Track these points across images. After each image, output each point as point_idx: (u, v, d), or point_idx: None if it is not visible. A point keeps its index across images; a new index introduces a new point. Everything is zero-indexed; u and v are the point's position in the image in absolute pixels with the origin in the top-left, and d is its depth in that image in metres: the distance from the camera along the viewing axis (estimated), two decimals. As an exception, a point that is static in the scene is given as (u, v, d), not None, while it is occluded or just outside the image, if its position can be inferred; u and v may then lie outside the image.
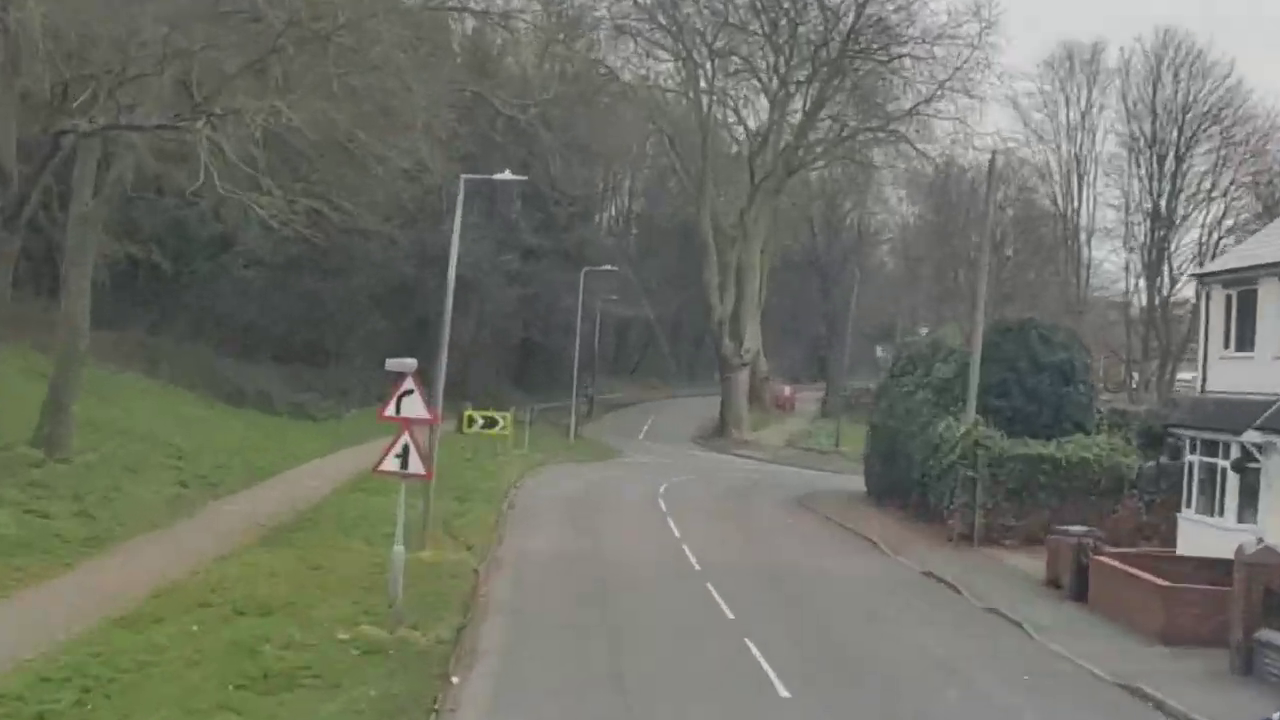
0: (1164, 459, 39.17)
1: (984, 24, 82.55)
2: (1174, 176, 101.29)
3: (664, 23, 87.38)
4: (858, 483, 59.31)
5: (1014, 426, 41.63)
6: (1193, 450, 34.93)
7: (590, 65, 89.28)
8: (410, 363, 24.91)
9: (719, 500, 53.42)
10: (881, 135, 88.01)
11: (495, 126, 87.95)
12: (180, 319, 68.09)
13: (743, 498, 55.09)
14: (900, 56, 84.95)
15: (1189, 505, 34.88)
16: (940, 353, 49.40)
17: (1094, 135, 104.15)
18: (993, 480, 39.91)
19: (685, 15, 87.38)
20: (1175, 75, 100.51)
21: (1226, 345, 35.16)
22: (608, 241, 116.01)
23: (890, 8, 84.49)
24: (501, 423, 57.14)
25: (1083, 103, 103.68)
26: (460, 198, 38.76)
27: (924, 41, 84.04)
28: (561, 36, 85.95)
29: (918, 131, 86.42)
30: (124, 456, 40.12)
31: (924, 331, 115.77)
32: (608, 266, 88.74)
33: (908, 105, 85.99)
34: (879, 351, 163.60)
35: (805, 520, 49.29)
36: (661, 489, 53.83)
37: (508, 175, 44.14)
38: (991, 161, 43.80)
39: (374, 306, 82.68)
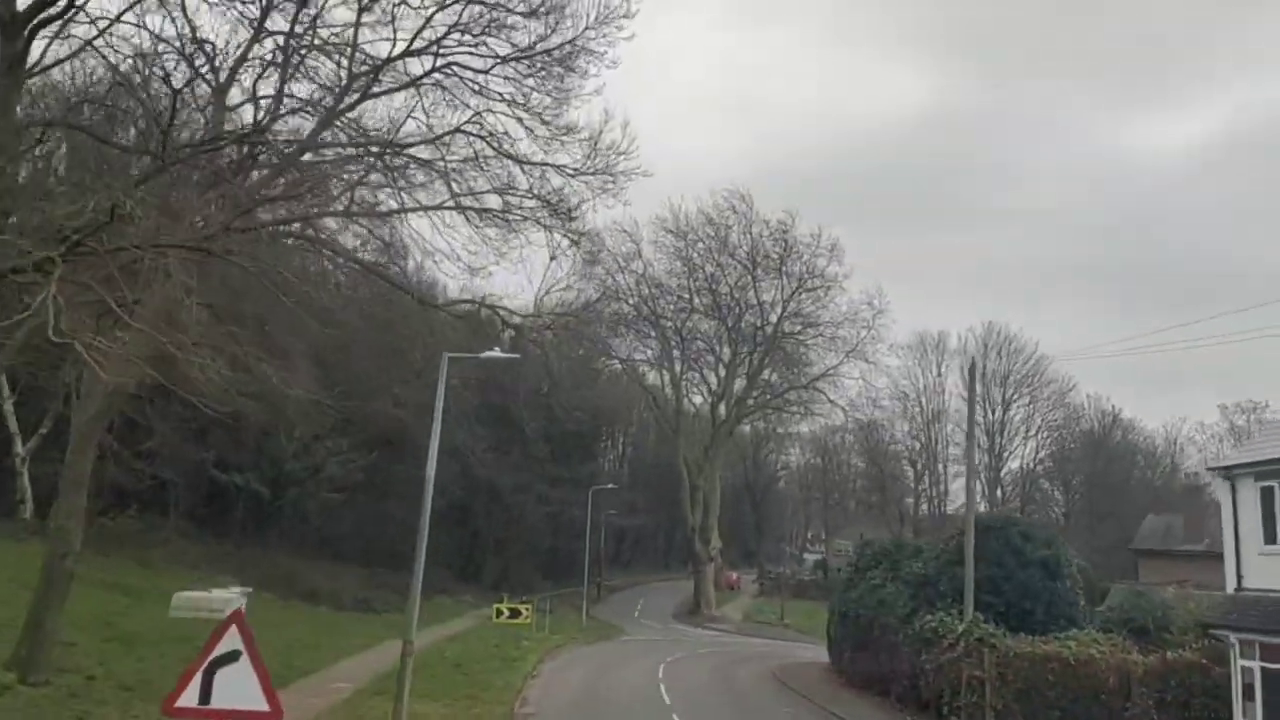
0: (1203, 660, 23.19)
1: (875, 311, 69.41)
2: (1001, 423, 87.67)
3: (646, 314, 73.58)
4: (811, 651, 46.31)
5: (1008, 622, 25.73)
6: (1247, 654, 19.23)
7: (594, 350, 75.49)
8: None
9: (713, 681, 36.47)
10: (803, 394, 73.49)
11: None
12: (272, 533, 52.27)
13: (730, 679, 38.03)
14: (816, 337, 71.25)
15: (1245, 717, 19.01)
16: (905, 550, 33.71)
17: (943, 395, 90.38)
18: (1001, 680, 23.86)
19: (661, 309, 73.76)
20: (998, 353, 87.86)
21: (1268, 540, 19.83)
22: (608, 473, 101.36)
23: (809, 304, 71.18)
24: (524, 613, 41.15)
25: (934, 372, 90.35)
26: (443, 375, 23.54)
27: (832, 325, 70.56)
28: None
29: (833, 388, 72.18)
30: (136, 671, 24.05)
31: (850, 542, 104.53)
32: (610, 485, 74.44)
33: (821, 370, 71.76)
34: (784, 547, 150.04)
35: (803, 710, 32.53)
36: (660, 671, 37.13)
37: (496, 353, 28.72)
38: (971, 373, 27.77)
39: (438, 521, 66.82)
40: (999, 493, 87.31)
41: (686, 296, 72.83)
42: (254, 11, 21.76)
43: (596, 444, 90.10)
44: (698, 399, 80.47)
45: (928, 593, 29.16)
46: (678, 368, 74.72)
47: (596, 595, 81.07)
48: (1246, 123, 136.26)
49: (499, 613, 41.94)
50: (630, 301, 73.42)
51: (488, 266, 28.95)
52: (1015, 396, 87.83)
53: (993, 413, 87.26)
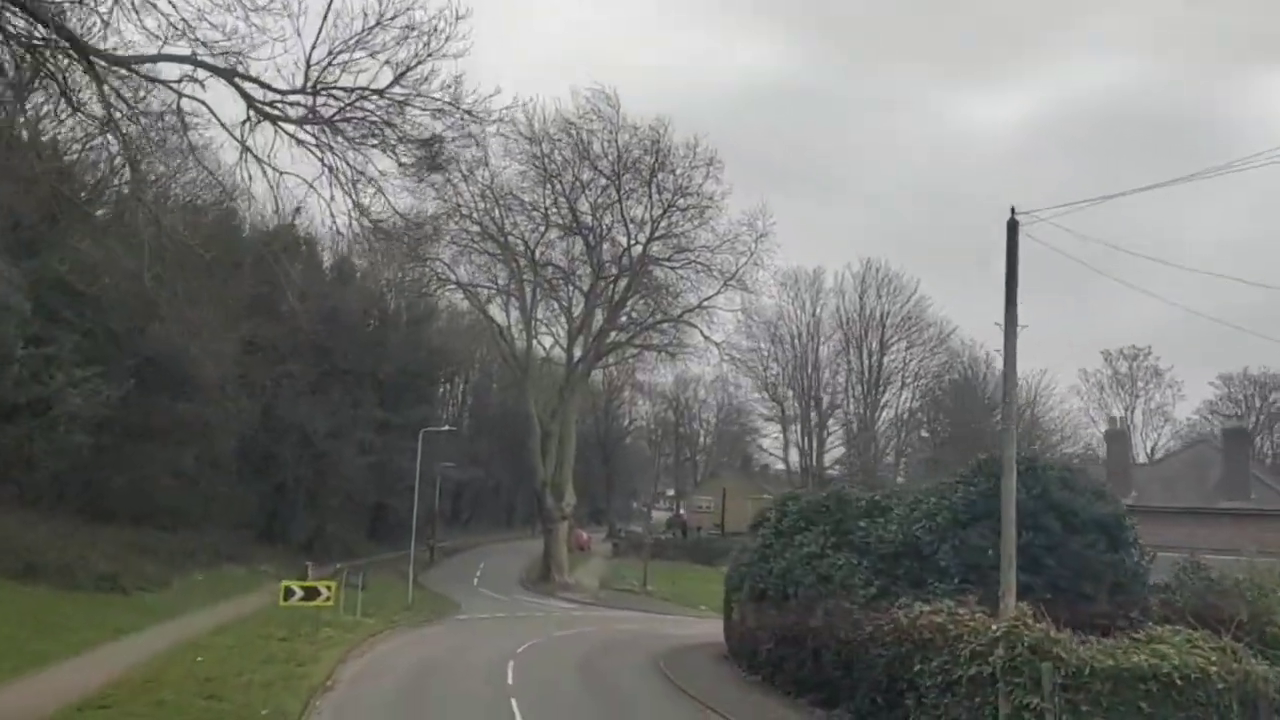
0: None
1: (758, 234, 60.41)
2: (878, 367, 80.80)
3: (493, 233, 62.54)
4: (690, 629, 41.15)
5: (1053, 613, 16.60)
6: None
7: (430, 276, 64.34)
8: None
9: (585, 687, 26.45)
10: (672, 331, 63.91)
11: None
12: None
13: (607, 681, 28.08)
14: (689, 264, 61.67)
15: None
16: (857, 508, 24.40)
17: (818, 338, 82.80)
18: (1072, 711, 14.80)
19: (511, 228, 62.92)
20: (877, 292, 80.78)
21: None
22: (446, 420, 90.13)
23: (682, 225, 61.59)
24: (326, 593, 30.30)
25: (809, 312, 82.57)
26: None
27: (709, 250, 61.19)
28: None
29: (707, 322, 62.76)
30: None
31: (711, 497, 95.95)
32: (446, 428, 64.05)
33: (695, 301, 62.26)
34: (634, 505, 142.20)
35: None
36: (510, 673, 27.00)
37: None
38: (1011, 232, 17.70)
39: (227, 472, 54.63)
40: (873, 446, 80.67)
41: (541, 212, 62.16)
42: None
43: (432, 388, 78.75)
44: (548, 340, 70.03)
45: (907, 568, 20.00)
46: (529, 298, 64.05)
47: (430, 559, 70.35)
48: (1077, 102, 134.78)
49: (288, 593, 30.88)
50: (474, 218, 62.28)
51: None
52: (893, 339, 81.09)
53: (869, 357, 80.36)
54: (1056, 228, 16.02)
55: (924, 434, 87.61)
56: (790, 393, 79.98)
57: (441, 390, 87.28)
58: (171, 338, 52.96)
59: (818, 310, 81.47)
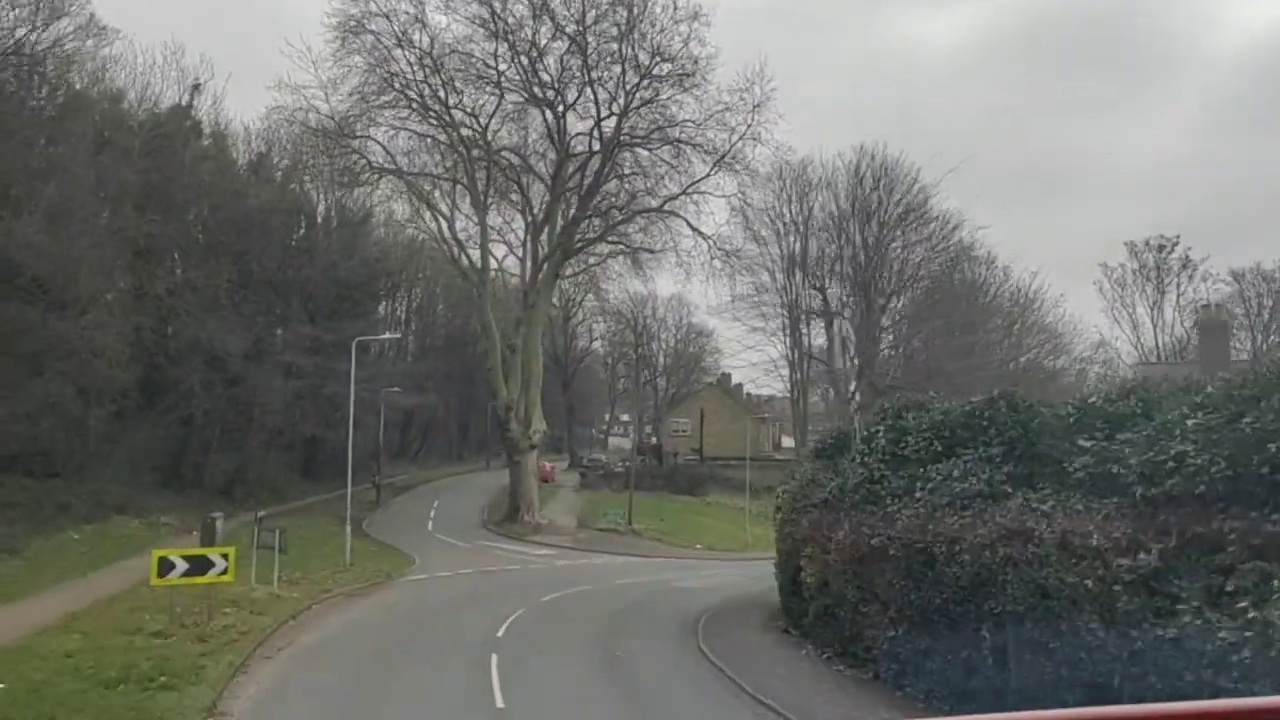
0: None
1: (754, 103, 50.52)
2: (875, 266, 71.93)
3: (436, 110, 52.01)
4: (706, 580, 33.33)
5: None
6: None
7: (363, 165, 53.84)
8: None
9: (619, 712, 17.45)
10: (654, 216, 53.99)
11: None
12: None
13: (649, 695, 19.10)
14: (672, 143, 51.72)
15: None
16: (1052, 418, 15.38)
17: (804, 236, 73.37)
18: None
19: (457, 101, 52.36)
20: (875, 182, 71.58)
21: None
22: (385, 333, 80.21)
23: (664, 92, 51.48)
24: (222, 563, 20.76)
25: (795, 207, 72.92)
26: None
27: (694, 124, 51.24)
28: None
29: (694, 213, 52.90)
30: None
31: (686, 420, 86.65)
32: (386, 335, 54.77)
33: (677, 189, 52.39)
34: (591, 432, 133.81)
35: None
36: (495, 682, 17.92)
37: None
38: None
39: (118, 405, 44.44)
40: (873, 353, 72.14)
41: (493, 81, 51.56)
42: None
43: (371, 302, 68.39)
44: (500, 250, 59.84)
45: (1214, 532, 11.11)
46: (483, 188, 53.68)
47: (375, 499, 60.94)
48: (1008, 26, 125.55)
49: (164, 566, 21.33)
50: (411, 89, 51.65)
51: None
52: (890, 239, 72.07)
53: (865, 255, 71.36)
54: None
55: (916, 342, 79.28)
56: (779, 299, 70.90)
57: (381, 308, 76.71)
58: (39, 237, 42.73)
59: (807, 205, 72.02)
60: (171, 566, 21.13)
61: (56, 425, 40.48)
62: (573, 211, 54.25)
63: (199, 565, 21.35)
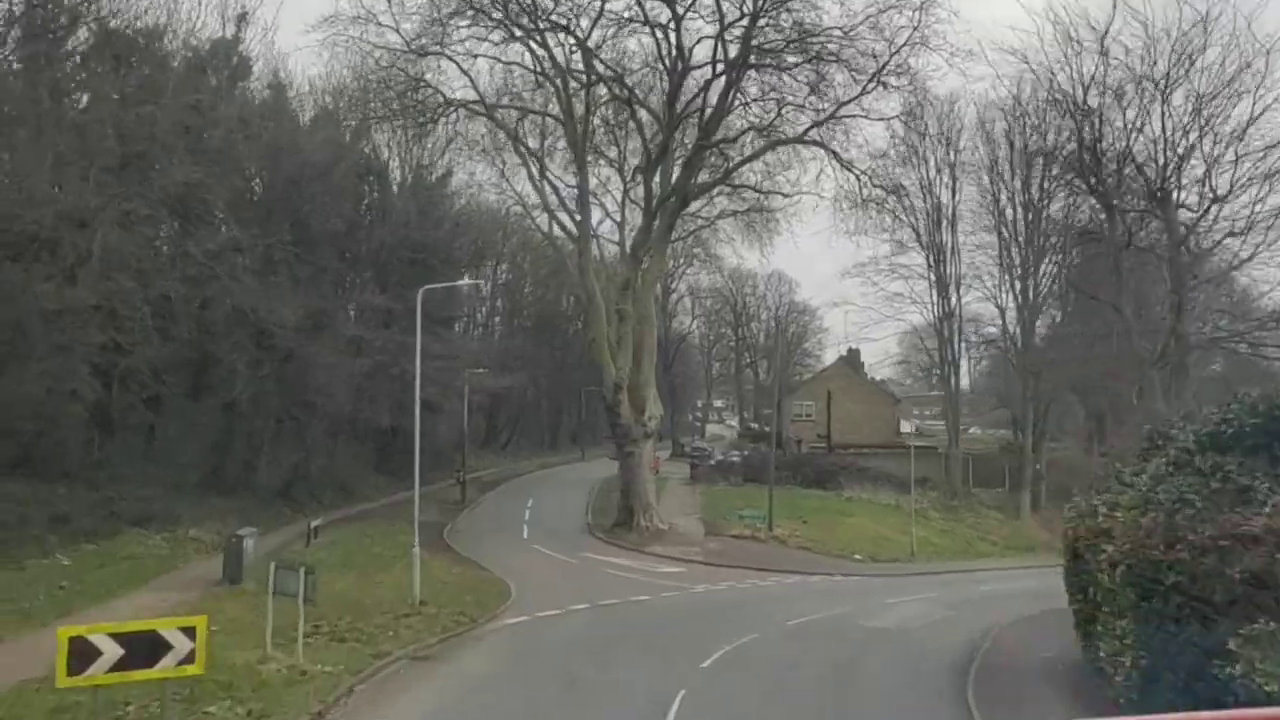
0: None
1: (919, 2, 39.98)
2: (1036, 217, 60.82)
3: (524, 26, 42.51)
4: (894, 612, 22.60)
5: None
6: None
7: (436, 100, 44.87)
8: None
9: None
10: (787, 155, 43.84)
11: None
12: None
13: None
14: (814, 57, 41.40)
15: None
16: None
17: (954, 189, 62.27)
18: None
19: (548, 14, 42.77)
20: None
21: None
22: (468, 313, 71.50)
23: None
24: (186, 645, 12.84)
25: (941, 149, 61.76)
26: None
27: (845, 32, 40.82)
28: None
29: (845, 136, 42.53)
30: None
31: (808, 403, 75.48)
32: (464, 282, 46.50)
33: (827, 108, 42.06)
34: (690, 419, 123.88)
35: None
36: None
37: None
38: None
39: (145, 388, 36.07)
40: (1036, 322, 60.95)
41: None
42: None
43: (450, 271, 59.36)
44: (596, 217, 50.01)
45: None
46: (582, 126, 44.06)
47: (460, 498, 52.24)
48: None
49: (79, 657, 12.22)
50: (495, 9, 42.34)
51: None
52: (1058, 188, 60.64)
53: (1016, 209, 60.09)
54: None
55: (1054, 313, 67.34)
56: (927, 259, 59.94)
57: (463, 278, 67.76)
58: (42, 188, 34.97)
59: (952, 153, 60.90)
60: (94, 655, 12.00)
61: (60, 414, 32.28)
62: (691, 145, 44.21)
63: (142, 649, 12.22)
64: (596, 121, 47.19)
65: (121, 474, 34.16)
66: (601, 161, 50.34)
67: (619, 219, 54.04)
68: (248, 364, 38.06)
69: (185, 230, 41.18)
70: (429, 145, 58.99)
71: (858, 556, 40.56)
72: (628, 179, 49.02)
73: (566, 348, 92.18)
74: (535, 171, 44.49)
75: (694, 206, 49.32)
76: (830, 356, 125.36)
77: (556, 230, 46.87)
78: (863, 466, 64.11)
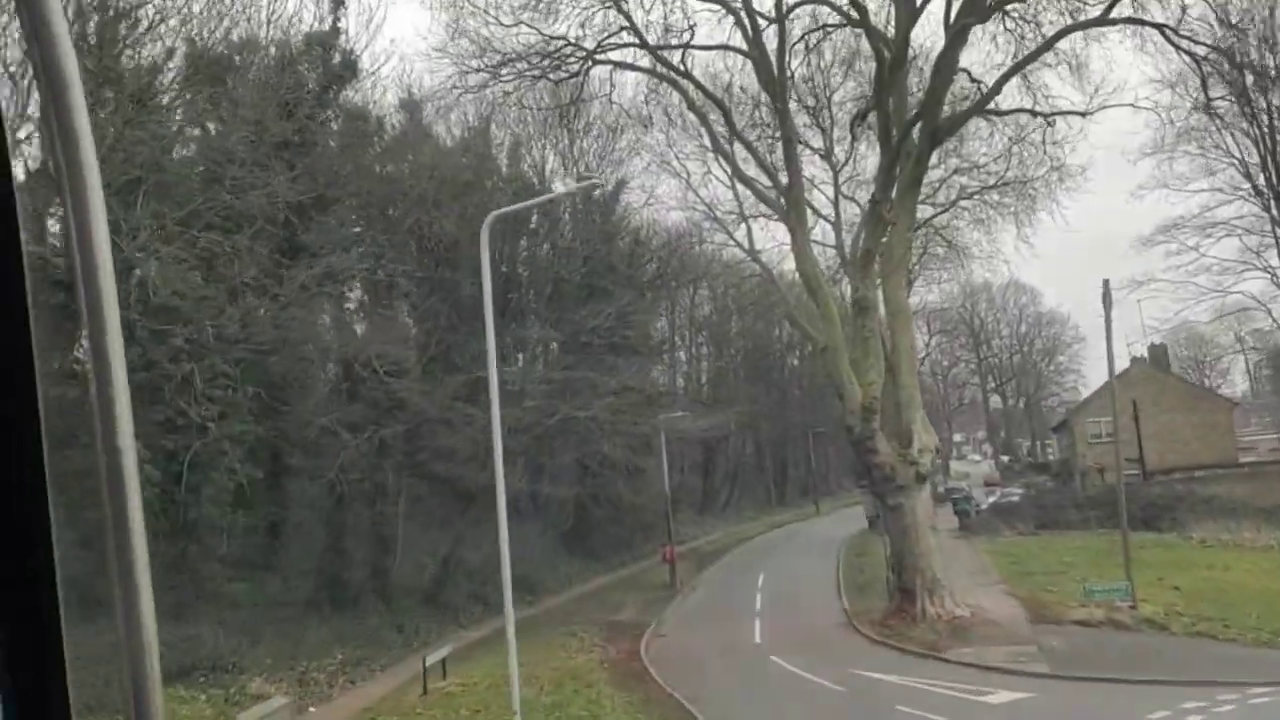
0: None
1: None
2: None
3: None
4: None
5: None
6: None
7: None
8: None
9: None
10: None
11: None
12: None
13: None
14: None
15: None
16: None
17: None
18: None
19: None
20: None
21: None
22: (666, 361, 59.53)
23: None
24: None
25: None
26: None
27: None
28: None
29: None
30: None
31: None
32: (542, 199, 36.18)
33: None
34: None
35: None
36: None
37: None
38: None
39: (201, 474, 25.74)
40: None
41: None
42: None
43: (630, 293, 47.35)
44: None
45: None
46: (777, 59, 31.60)
47: (670, 581, 39.95)
48: None
49: None
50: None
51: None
52: None
53: None
54: None
55: None
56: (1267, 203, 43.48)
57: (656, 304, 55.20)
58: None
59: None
60: None
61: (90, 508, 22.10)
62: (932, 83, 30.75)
63: None
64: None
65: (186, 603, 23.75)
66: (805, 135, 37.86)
67: (833, 217, 41.70)
68: (350, 428, 27.25)
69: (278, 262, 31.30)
70: (590, 148, 48.14)
71: (1290, 641, 25.31)
72: (838, 148, 36.33)
73: (785, 386, 79.33)
74: (724, 160, 32.33)
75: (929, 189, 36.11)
76: (1095, 373, 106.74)
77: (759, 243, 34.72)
78: (1203, 496, 47.71)
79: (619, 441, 40.12)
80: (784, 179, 31.40)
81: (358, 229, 33.23)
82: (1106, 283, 27.84)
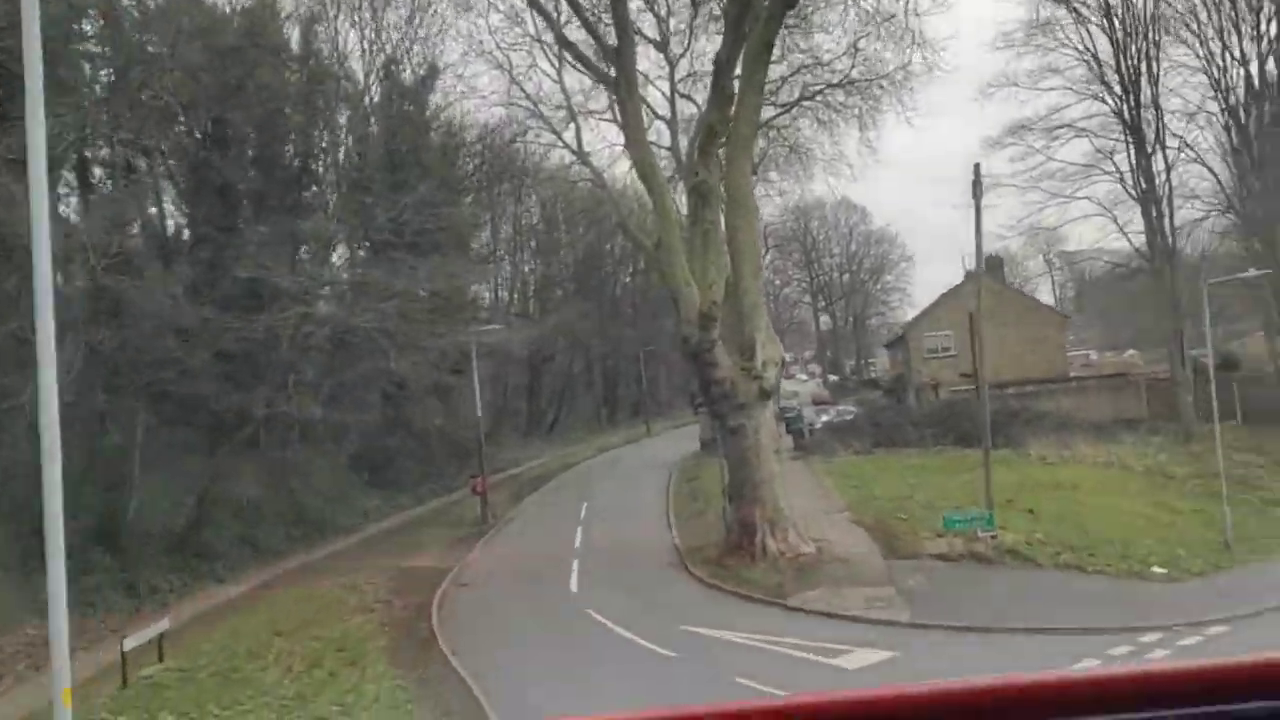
0: None
1: None
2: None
3: None
4: None
5: None
6: None
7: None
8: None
9: None
10: None
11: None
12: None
13: None
14: None
15: None
16: None
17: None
18: None
19: None
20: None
21: None
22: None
23: None
24: None
25: None
26: None
27: None
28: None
29: None
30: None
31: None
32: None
33: None
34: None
35: None
36: None
37: None
38: None
39: None
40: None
41: None
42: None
43: (448, 196, 41.38)
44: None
45: None
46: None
47: (480, 517, 35.11)
48: None
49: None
50: None
51: None
52: None
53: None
54: None
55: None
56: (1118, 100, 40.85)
57: (469, 206, 49.11)
58: None
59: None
60: None
61: None
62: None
63: None
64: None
65: None
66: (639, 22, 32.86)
67: (669, 116, 37.30)
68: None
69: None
70: (395, 24, 41.57)
71: (1157, 569, 22.75)
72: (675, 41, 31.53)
73: (617, 302, 74.97)
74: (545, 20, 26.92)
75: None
76: (921, 292, 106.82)
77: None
78: (1037, 411, 46.22)
79: (427, 357, 34.90)
80: (613, 43, 26.27)
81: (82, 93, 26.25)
82: (977, 167, 24.28)
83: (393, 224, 29.55)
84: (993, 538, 23.01)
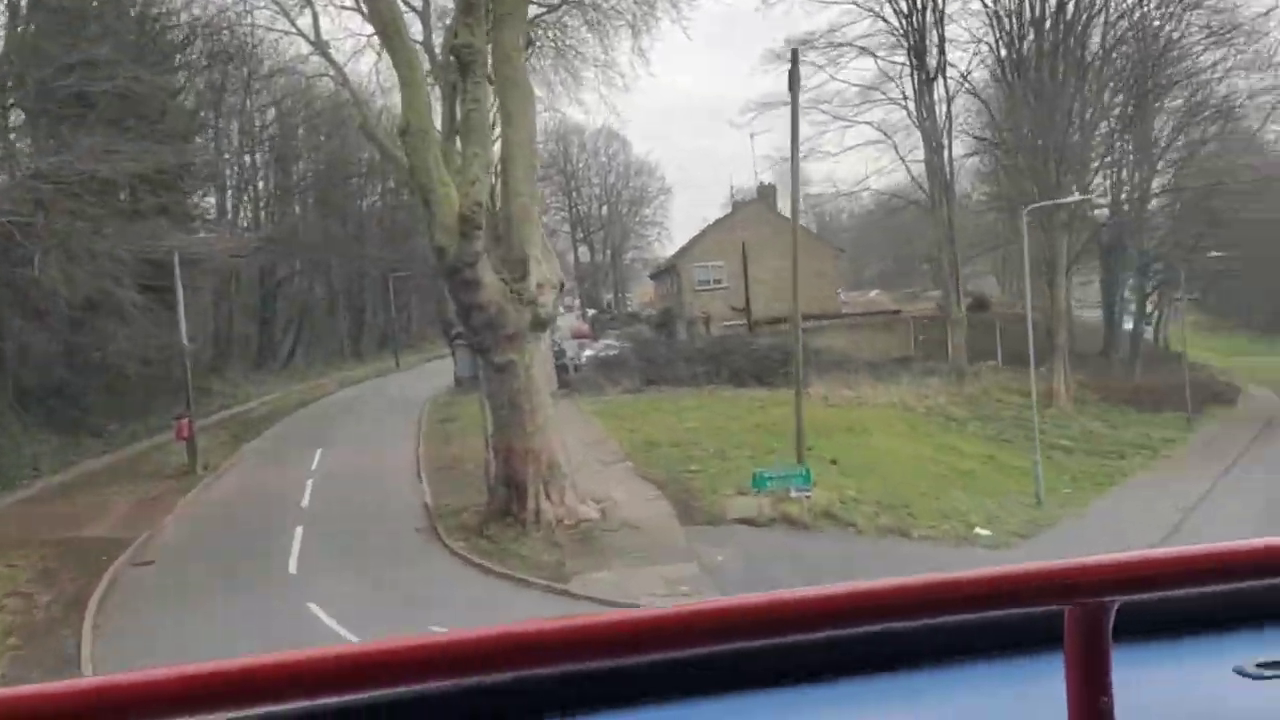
0: None
1: None
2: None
3: None
4: None
5: None
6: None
7: None
8: None
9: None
10: None
11: None
12: None
13: None
14: None
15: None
16: None
17: None
18: None
19: None
20: None
21: None
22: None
23: None
24: None
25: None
26: None
27: None
28: None
29: None
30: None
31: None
32: None
33: None
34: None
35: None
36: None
37: None
38: None
39: None
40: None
41: None
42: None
43: (180, 120, 33.17)
44: None
45: None
46: None
47: (190, 466, 28.53)
48: None
49: None
50: None
51: None
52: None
53: None
54: None
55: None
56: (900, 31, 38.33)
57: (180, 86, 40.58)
58: None
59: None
60: None
61: None
62: None
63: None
64: None
65: None
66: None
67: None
68: None
69: None
70: None
71: (981, 531, 20.07)
72: None
73: (363, 220, 67.57)
74: None
75: None
76: (678, 227, 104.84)
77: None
78: (813, 349, 44.08)
79: (118, 269, 27.82)
80: None
81: None
82: (795, 53, 20.39)
83: (44, 85, 22.30)
84: (807, 497, 19.55)
